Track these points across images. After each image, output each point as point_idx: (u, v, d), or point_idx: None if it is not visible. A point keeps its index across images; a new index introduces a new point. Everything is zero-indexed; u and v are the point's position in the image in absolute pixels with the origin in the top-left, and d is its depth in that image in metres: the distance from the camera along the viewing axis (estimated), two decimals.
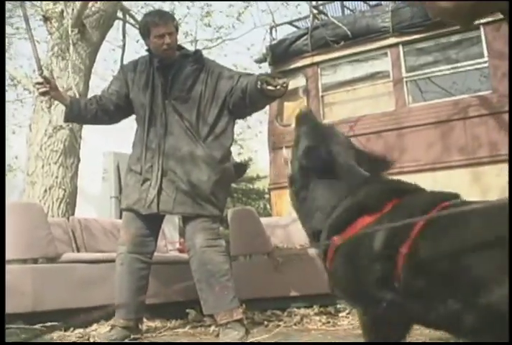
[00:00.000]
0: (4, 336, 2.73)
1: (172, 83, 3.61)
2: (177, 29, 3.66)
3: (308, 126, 1.97)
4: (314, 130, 1.95)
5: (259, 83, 3.26)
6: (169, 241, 6.26)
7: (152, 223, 3.63)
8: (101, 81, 10.73)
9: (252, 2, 9.82)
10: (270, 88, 3.23)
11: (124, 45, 7.91)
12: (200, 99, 3.59)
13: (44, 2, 6.54)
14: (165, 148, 3.55)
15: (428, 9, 1.72)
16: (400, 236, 1.53)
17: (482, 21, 5.19)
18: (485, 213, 1.44)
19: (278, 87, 3.21)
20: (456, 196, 1.65)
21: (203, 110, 3.59)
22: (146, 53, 3.76)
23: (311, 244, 1.85)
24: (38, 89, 3.59)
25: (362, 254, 1.60)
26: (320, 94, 6.37)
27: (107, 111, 3.74)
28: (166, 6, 9.95)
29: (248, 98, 3.45)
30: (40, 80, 3.52)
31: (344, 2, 7.22)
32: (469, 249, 1.40)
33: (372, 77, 6.23)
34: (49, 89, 3.53)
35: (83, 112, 3.69)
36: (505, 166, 4.85)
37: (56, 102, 5.17)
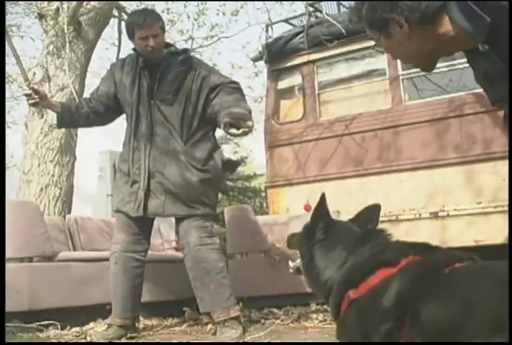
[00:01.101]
0: (4, 336, 2.72)
1: (158, 83, 3.60)
2: (163, 30, 3.62)
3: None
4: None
5: (222, 125, 3.27)
6: (165, 239, 6.25)
7: (145, 222, 3.63)
8: (97, 79, 10.69)
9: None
10: (233, 131, 3.22)
11: (119, 43, 7.90)
12: (185, 103, 3.58)
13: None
14: (151, 150, 3.56)
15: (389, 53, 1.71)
16: (409, 296, 1.49)
17: None
18: (492, 277, 1.42)
19: (241, 131, 3.20)
20: (470, 258, 1.63)
21: (188, 114, 3.58)
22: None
23: (326, 302, 1.83)
24: (28, 100, 3.57)
25: (373, 311, 1.56)
26: (316, 92, 6.36)
27: (98, 113, 3.73)
28: (162, 4, 9.93)
29: (218, 121, 3.45)
30: (29, 91, 3.49)
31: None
32: (471, 318, 1.36)
33: (368, 75, 6.22)
34: (38, 100, 3.51)
35: (75, 117, 3.68)
36: (501, 163, 4.86)
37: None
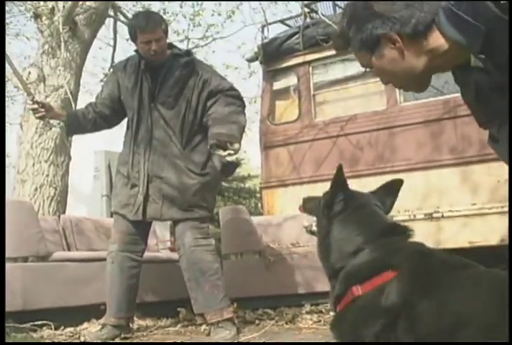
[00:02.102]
0: (4, 337, 2.71)
1: (160, 86, 3.59)
2: (166, 33, 3.59)
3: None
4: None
5: (209, 146, 3.32)
6: (160, 240, 6.25)
7: (143, 225, 3.64)
8: (91, 79, 10.65)
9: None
10: (219, 153, 3.26)
11: (114, 43, 7.88)
12: (186, 107, 3.57)
13: None
14: (150, 153, 3.56)
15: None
16: (408, 294, 1.52)
17: None
18: (491, 286, 1.44)
19: (227, 152, 3.23)
20: (471, 264, 1.59)
21: (188, 118, 3.58)
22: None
23: (328, 278, 1.82)
24: (34, 114, 3.56)
25: (372, 310, 1.59)
26: (311, 93, 6.36)
27: (105, 116, 3.72)
28: (157, 4, 9.91)
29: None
30: (34, 106, 3.48)
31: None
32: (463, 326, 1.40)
33: (363, 76, 6.21)
34: (44, 113, 3.50)
35: (82, 123, 3.68)
36: (496, 164, 4.86)
37: (50, 101, 5.14)
